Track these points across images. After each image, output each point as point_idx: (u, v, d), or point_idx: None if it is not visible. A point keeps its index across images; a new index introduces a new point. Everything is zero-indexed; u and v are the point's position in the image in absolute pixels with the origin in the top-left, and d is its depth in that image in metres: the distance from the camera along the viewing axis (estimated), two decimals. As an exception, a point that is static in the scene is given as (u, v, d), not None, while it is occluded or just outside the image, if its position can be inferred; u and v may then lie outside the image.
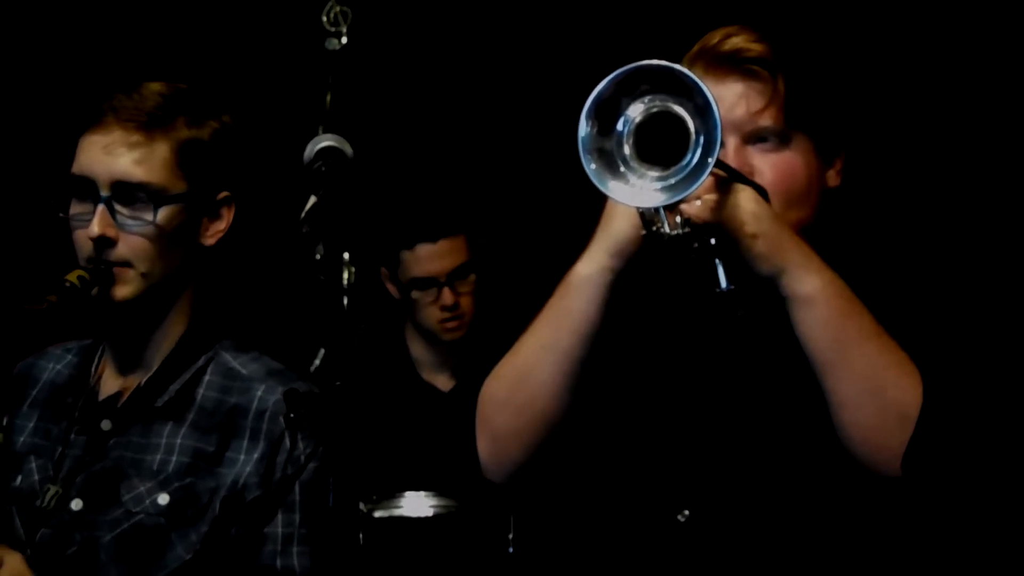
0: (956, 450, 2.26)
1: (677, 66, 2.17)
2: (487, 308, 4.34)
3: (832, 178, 2.46)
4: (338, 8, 2.29)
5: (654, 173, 2.19)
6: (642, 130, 2.20)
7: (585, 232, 2.39)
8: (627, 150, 2.20)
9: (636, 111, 2.20)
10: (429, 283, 4.28)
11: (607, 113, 2.19)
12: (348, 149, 2.22)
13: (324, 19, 2.29)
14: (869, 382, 2.27)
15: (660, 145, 2.18)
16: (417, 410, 4.35)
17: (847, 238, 2.44)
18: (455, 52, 4.65)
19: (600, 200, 2.32)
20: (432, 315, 4.29)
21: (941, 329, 2.35)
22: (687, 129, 2.17)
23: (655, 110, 2.19)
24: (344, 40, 2.29)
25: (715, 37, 2.42)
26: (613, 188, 2.19)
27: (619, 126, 2.20)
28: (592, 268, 2.35)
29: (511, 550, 3.92)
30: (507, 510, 3.90)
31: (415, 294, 4.30)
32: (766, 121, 2.37)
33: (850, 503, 2.35)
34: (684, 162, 2.17)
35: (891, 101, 4.05)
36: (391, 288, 4.36)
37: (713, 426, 2.41)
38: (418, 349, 4.42)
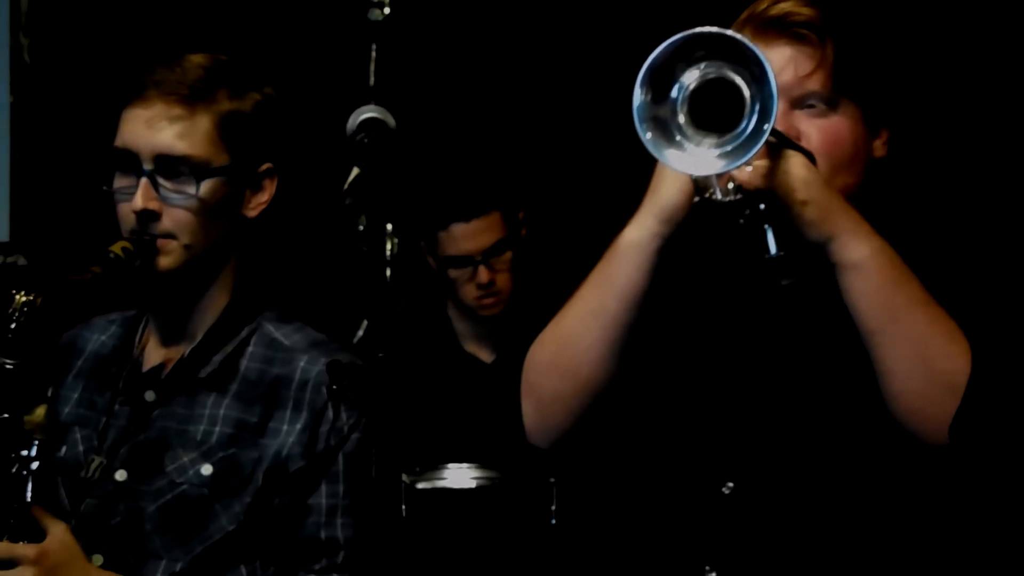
0: (1004, 419, 2.25)
1: (734, 33, 2.15)
2: (527, 281, 4.33)
3: (878, 148, 2.44)
4: (381, -21, 2.29)
5: (710, 140, 2.17)
6: (696, 97, 2.18)
7: (622, 204, 2.38)
8: (682, 117, 2.18)
9: (691, 78, 2.18)
10: (464, 261, 4.27)
11: (661, 80, 2.17)
12: (391, 121, 2.21)
13: (367, -10, 2.29)
14: (917, 350, 2.25)
15: (714, 112, 2.17)
16: (460, 382, 4.34)
17: (894, 209, 2.42)
18: (497, 26, 4.63)
19: (640, 170, 2.31)
20: (469, 292, 4.28)
21: (989, 300, 2.33)
22: (742, 96, 2.15)
23: (711, 77, 2.17)
24: (387, 11, 2.29)
25: (764, 2, 2.40)
26: (670, 156, 2.17)
27: (673, 93, 2.18)
28: (641, 233, 2.33)
29: (554, 521, 3.93)
30: (550, 481, 3.90)
31: (451, 272, 4.29)
32: (814, 85, 2.35)
33: (896, 475, 2.34)
34: (740, 129, 2.15)
35: (939, 75, 4.02)
36: (430, 261, 4.36)
37: (758, 398, 2.40)
38: (460, 321, 4.41)
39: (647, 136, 2.17)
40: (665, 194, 2.31)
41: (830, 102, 2.37)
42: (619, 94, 2.21)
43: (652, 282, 2.34)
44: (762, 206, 2.23)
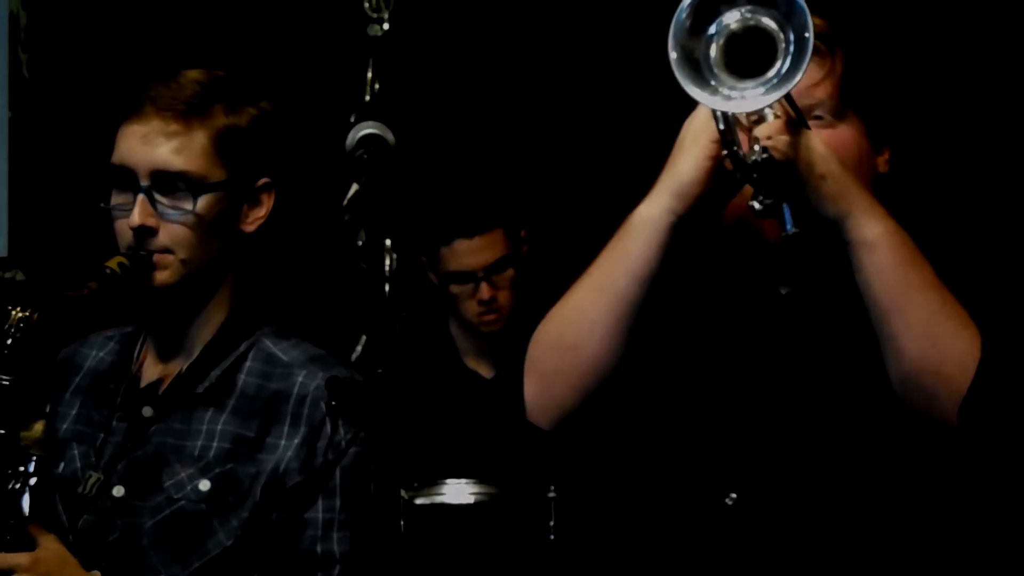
0: (1013, 403, 2.24)
1: None
2: (528, 298, 4.33)
3: (881, 164, 2.45)
4: (380, -6, 2.29)
5: (749, 83, 2.18)
6: (732, 40, 2.19)
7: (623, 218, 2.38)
8: (715, 53, 2.19)
9: (732, 18, 2.19)
10: (466, 277, 4.27)
11: (703, 13, 2.18)
12: (390, 136, 2.21)
13: (366, 5, 2.29)
14: (929, 329, 2.25)
15: (746, 57, 2.18)
16: (460, 397, 4.34)
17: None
18: (496, 41, 4.64)
19: (642, 186, 2.31)
20: (470, 308, 4.28)
21: (998, 292, 2.34)
22: (773, 39, 2.17)
23: (750, 23, 2.19)
24: (386, 26, 2.29)
25: None
26: (702, 96, 2.19)
27: (712, 29, 2.19)
28: (654, 209, 2.33)
29: (552, 537, 3.92)
30: (549, 497, 3.90)
31: (453, 288, 4.29)
32: (821, 94, 2.36)
33: (901, 486, 2.34)
34: (779, 64, 2.17)
35: (944, 93, 4.02)
36: (431, 277, 4.36)
37: (761, 408, 2.39)
38: (460, 337, 4.41)
39: (673, 56, 2.18)
40: (681, 169, 2.31)
41: (837, 113, 2.38)
42: (620, 110, 2.22)
43: (663, 261, 2.33)
44: (780, 176, 2.23)
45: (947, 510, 2.36)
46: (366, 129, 2.21)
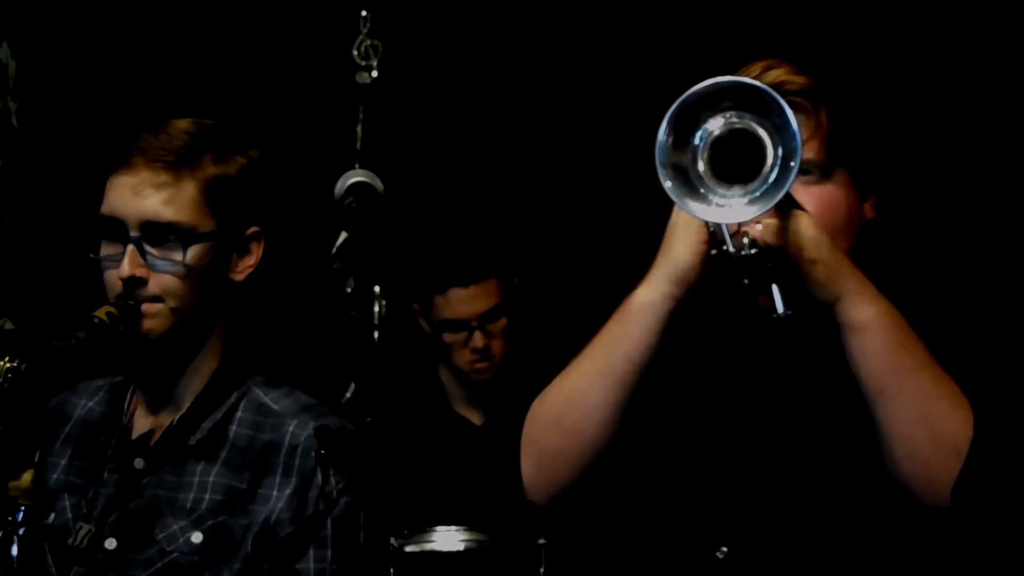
0: (1006, 484, 2.24)
1: (761, 84, 2.17)
2: (518, 343, 4.33)
3: (868, 211, 2.45)
4: (369, 42, 2.29)
5: (736, 191, 2.18)
6: (717, 146, 2.19)
7: (613, 269, 2.38)
8: (702, 166, 2.19)
9: (715, 125, 2.19)
10: (460, 326, 4.27)
11: (685, 124, 2.18)
12: (379, 184, 2.21)
13: (355, 53, 2.29)
14: (921, 412, 2.25)
15: (733, 162, 2.18)
16: (450, 443, 4.33)
17: (886, 270, 2.42)
18: (488, 89, 4.64)
19: (634, 238, 2.31)
20: (463, 357, 4.29)
21: (988, 363, 2.33)
22: (761, 145, 2.16)
23: (736, 126, 2.18)
24: (375, 74, 2.29)
25: (755, 69, 2.41)
26: (693, 207, 2.18)
27: (696, 140, 2.19)
28: (653, 295, 2.34)
29: (543, 584, 3.90)
30: (539, 544, 3.88)
31: (447, 336, 4.29)
32: (809, 154, 2.36)
33: (893, 541, 2.33)
34: (766, 173, 2.16)
35: (925, 135, 4.03)
36: (423, 324, 4.36)
37: (752, 462, 2.39)
38: (451, 384, 4.41)
39: (667, 184, 2.17)
40: (676, 255, 2.31)
41: (824, 170, 2.38)
42: (610, 161, 2.22)
43: (662, 344, 2.33)
44: (770, 265, 2.23)
45: (938, 565, 2.35)
46: (355, 177, 2.21)
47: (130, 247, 2.54)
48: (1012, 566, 2.36)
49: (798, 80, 2.39)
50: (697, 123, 2.18)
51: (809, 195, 2.36)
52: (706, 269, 2.29)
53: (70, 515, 2.60)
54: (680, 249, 2.31)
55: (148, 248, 2.54)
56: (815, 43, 3.85)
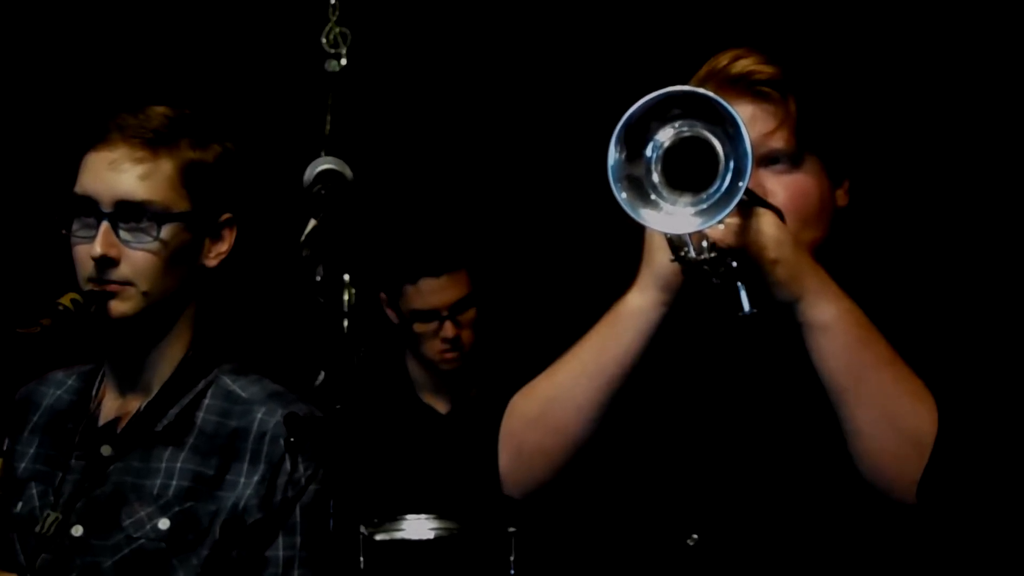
0: (971, 478, 2.25)
1: (709, 92, 2.15)
2: (486, 334, 4.34)
3: (841, 198, 2.45)
4: (337, 30, 2.29)
5: (685, 199, 2.17)
6: (670, 155, 2.18)
7: (587, 264, 2.38)
8: (656, 176, 2.18)
9: (665, 136, 2.18)
10: (431, 316, 4.28)
11: (635, 138, 2.17)
12: (348, 172, 2.21)
13: (324, 41, 2.29)
14: (885, 410, 2.26)
15: (688, 171, 2.17)
16: (417, 432, 4.34)
17: (858, 258, 2.43)
18: (457, 75, 4.64)
19: (603, 233, 2.31)
20: (433, 347, 4.30)
21: (954, 354, 2.34)
22: (716, 154, 2.15)
23: (685, 135, 2.17)
24: (344, 62, 2.29)
25: (723, 59, 2.41)
26: (645, 215, 2.17)
27: (648, 151, 2.18)
28: (644, 301, 2.35)
29: (513, 572, 3.91)
30: (509, 532, 3.89)
31: (417, 326, 4.30)
32: (778, 143, 2.37)
33: (862, 530, 2.34)
34: (715, 187, 2.15)
35: (898, 121, 4.05)
36: (391, 314, 4.36)
37: (723, 450, 2.40)
38: (418, 372, 4.42)
39: (622, 196, 2.17)
40: (658, 261, 2.32)
41: (794, 159, 2.38)
42: (584, 153, 2.21)
43: (649, 349, 2.34)
44: (734, 264, 2.23)
45: (910, 553, 2.36)
46: (323, 165, 2.21)
47: (104, 224, 2.53)
48: (977, 558, 2.37)
49: (766, 70, 2.39)
50: (647, 134, 2.17)
51: (780, 185, 2.36)
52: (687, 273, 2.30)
53: (37, 503, 2.60)
54: (660, 256, 2.31)
55: (121, 226, 2.53)
56: (784, 30, 3.85)
